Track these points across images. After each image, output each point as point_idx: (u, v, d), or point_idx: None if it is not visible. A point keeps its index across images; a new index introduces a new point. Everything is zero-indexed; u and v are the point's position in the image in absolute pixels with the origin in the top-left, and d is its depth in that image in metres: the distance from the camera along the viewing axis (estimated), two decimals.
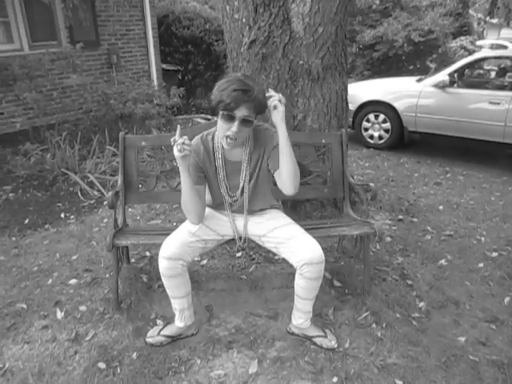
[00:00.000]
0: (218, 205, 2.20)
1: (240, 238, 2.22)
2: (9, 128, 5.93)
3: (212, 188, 2.14)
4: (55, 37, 6.28)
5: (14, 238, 3.38)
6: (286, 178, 1.96)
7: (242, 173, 2.09)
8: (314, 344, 2.17)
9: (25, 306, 2.51)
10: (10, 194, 4.22)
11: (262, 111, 1.91)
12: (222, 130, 1.90)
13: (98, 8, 6.58)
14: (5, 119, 5.91)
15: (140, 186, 2.74)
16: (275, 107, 1.89)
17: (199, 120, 7.12)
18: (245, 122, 1.85)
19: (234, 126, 1.85)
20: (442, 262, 2.94)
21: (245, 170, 2.08)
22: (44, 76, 5.56)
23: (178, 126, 1.88)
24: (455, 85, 5.25)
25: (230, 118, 1.84)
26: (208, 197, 2.18)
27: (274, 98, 1.90)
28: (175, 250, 2.00)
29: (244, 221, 2.19)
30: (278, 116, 1.90)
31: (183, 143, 1.80)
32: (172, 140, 1.83)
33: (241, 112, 1.82)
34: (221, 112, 1.85)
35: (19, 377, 2.01)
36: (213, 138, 2.08)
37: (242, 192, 2.12)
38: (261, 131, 2.05)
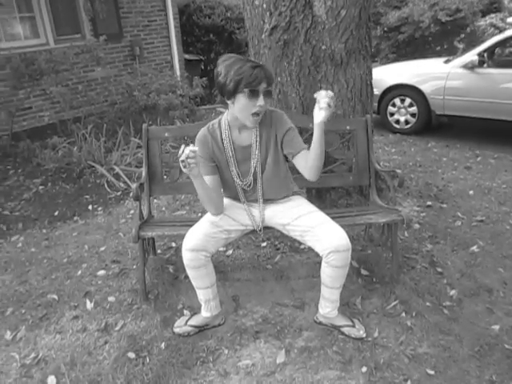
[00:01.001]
0: (233, 195, 2.19)
1: (259, 227, 2.21)
2: (37, 122, 6.07)
3: (225, 177, 2.13)
4: (79, 30, 6.37)
5: (44, 230, 3.46)
6: (314, 169, 1.98)
7: (252, 156, 2.07)
8: (342, 334, 2.15)
9: (56, 296, 2.57)
10: (40, 187, 4.32)
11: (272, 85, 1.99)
12: (248, 109, 1.90)
13: (121, 0, 6.62)
14: (33, 113, 6.04)
15: (164, 177, 2.75)
16: (324, 108, 1.87)
17: (222, 109, 7.10)
18: (268, 93, 1.90)
19: (261, 100, 1.87)
20: (474, 248, 2.85)
21: (255, 153, 2.07)
22: (69, 70, 5.64)
23: (182, 146, 1.84)
24: (485, 65, 5.05)
25: (256, 94, 1.87)
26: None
27: (324, 100, 1.87)
28: (198, 241, 2.00)
29: (260, 209, 2.17)
30: (322, 116, 1.88)
31: (187, 158, 1.79)
32: (180, 161, 1.81)
33: (262, 86, 1.87)
34: (246, 90, 1.85)
35: (52, 366, 2.06)
36: (219, 125, 2.08)
37: (255, 177, 2.11)
38: (266, 112, 2.03)
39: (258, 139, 2.05)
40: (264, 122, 2.04)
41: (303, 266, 2.71)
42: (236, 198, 2.19)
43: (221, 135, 2.07)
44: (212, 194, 2.02)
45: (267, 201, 2.18)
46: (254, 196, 2.16)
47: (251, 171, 2.10)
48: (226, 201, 2.17)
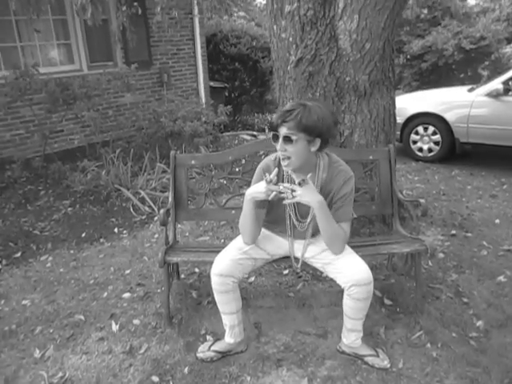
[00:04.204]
0: (277, 227, 2.21)
1: (296, 262, 2.23)
2: (68, 145, 6.29)
3: (277, 212, 2.13)
4: (111, 58, 6.62)
5: (72, 251, 3.55)
6: (325, 243, 2.06)
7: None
8: (366, 363, 2.14)
9: (83, 317, 2.63)
10: (69, 209, 4.44)
11: (309, 132, 1.87)
12: (278, 151, 1.94)
13: (152, 29, 6.88)
14: (64, 136, 6.26)
15: (189, 203, 2.81)
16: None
17: (245, 137, 7.22)
18: (285, 139, 1.87)
19: (279, 145, 1.90)
20: (501, 278, 2.82)
21: None
22: (100, 95, 5.84)
23: (276, 169, 1.98)
24: (510, 93, 5.04)
25: (276, 137, 1.90)
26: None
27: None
28: (226, 266, 2.04)
29: (304, 246, 2.19)
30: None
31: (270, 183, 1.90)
32: (269, 180, 1.91)
33: (282, 130, 1.87)
34: (270, 132, 1.92)
35: None
36: None
37: (311, 220, 2.10)
38: (335, 170, 2.04)
39: (318, 189, 2.02)
40: (331, 176, 2.03)
41: (326, 295, 2.72)
42: (280, 231, 2.21)
43: (283, 172, 2.07)
44: (256, 226, 2.06)
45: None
46: (302, 235, 2.17)
47: (309, 216, 2.08)
48: (262, 232, 2.20)
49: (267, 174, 1.91)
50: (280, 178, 2.07)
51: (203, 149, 5.51)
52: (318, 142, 1.91)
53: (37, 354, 2.33)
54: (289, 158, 1.91)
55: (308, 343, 2.31)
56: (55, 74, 5.74)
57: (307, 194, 1.89)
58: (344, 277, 1.99)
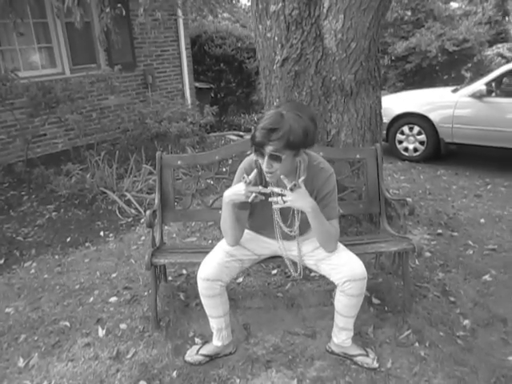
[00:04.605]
0: (264, 231, 2.18)
1: (295, 269, 2.19)
2: (51, 149, 6.19)
3: (259, 214, 2.10)
4: (94, 60, 6.55)
5: (56, 256, 3.48)
6: (319, 243, 2.03)
7: None
8: (355, 363, 2.13)
9: (68, 323, 2.57)
10: (53, 213, 4.37)
11: (296, 148, 1.81)
12: (262, 165, 1.87)
13: (135, 31, 6.81)
14: (48, 140, 6.17)
15: (176, 204, 2.78)
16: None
17: (232, 137, 7.20)
18: (273, 157, 1.80)
19: (264, 162, 1.83)
20: (486, 277, 2.83)
21: None
22: (84, 98, 5.76)
23: (255, 170, 1.91)
24: (493, 94, 5.11)
25: (261, 154, 1.83)
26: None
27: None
28: (212, 270, 2.01)
29: (297, 247, 2.15)
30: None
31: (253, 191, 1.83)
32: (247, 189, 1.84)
33: (268, 149, 1.79)
34: (252, 147, 1.85)
35: None
36: None
37: (295, 220, 2.06)
38: (315, 168, 2.00)
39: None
40: (311, 175, 1.99)
41: (314, 294, 2.71)
42: (268, 234, 2.17)
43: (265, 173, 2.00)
44: (237, 227, 2.03)
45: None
46: (292, 236, 2.12)
47: (296, 218, 2.04)
48: (248, 233, 2.18)
49: (245, 176, 1.87)
50: (268, 181, 2.02)
51: (189, 149, 5.48)
52: (302, 151, 1.89)
53: (21, 362, 2.27)
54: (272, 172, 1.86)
55: (297, 344, 2.29)
56: (37, 77, 5.62)
57: (299, 200, 1.85)
58: (338, 273, 1.98)
